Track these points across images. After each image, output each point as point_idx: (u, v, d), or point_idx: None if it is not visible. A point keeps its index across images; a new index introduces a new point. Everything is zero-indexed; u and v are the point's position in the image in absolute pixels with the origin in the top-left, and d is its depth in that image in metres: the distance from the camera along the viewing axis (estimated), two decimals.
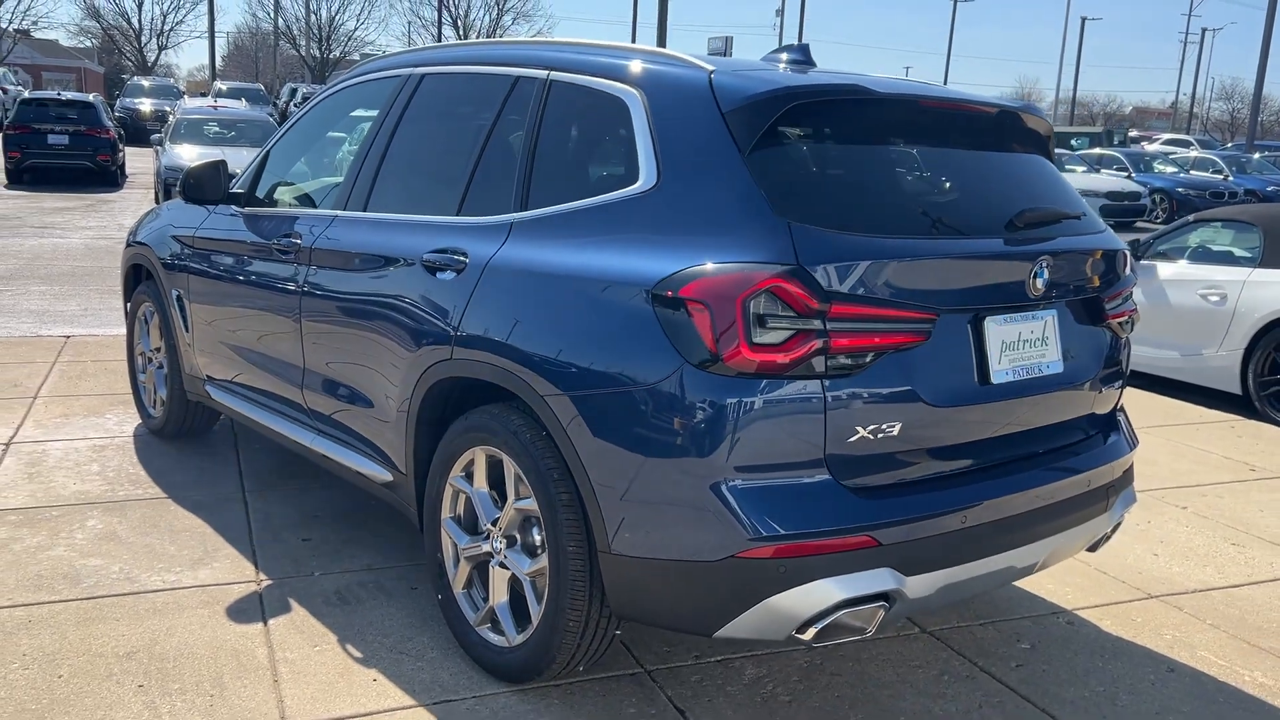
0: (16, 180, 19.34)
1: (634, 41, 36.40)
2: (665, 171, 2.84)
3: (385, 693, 3.14)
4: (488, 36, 56.29)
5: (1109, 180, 24.23)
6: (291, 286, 4.04)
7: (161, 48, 60.12)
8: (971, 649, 3.60)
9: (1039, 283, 2.95)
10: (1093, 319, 3.25)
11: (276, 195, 4.52)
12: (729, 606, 2.67)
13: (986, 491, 2.89)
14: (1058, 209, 3.16)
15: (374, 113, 4.06)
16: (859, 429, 2.65)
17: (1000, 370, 2.91)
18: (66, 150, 19.15)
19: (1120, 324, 3.34)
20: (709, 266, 2.61)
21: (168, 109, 27.26)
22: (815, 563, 2.62)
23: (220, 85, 37.40)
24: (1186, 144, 41.23)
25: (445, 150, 3.73)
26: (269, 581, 3.86)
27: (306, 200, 4.41)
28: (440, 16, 44.33)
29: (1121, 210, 22.80)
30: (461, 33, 55.38)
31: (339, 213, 3.94)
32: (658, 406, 2.66)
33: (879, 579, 2.68)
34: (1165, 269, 8.18)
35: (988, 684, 3.39)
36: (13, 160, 19.13)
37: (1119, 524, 3.49)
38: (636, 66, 3.09)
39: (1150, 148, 36.86)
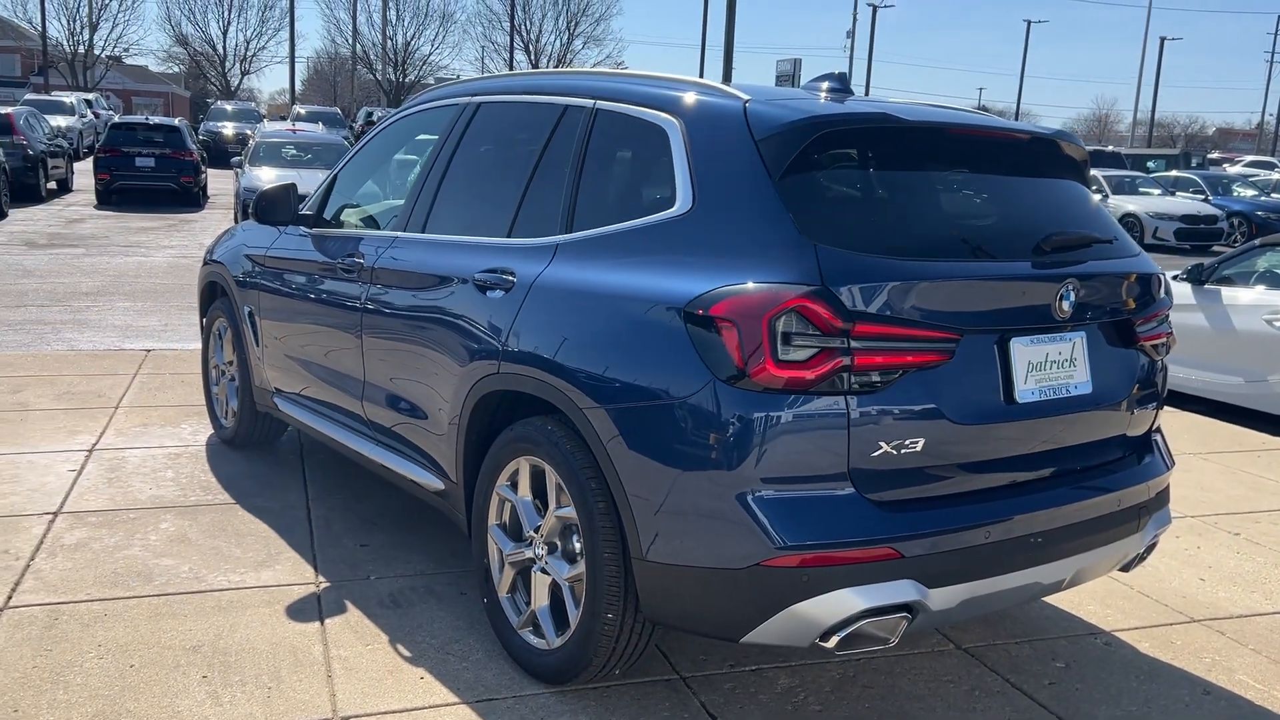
0: (105, 201, 20.14)
1: (702, 63, 36.71)
2: (700, 195, 2.98)
3: (431, 690, 3.30)
4: (559, 60, 57.23)
5: (1184, 204, 23.82)
6: (354, 304, 4.25)
7: (244, 73, 62.02)
8: (1005, 666, 3.65)
9: (1065, 305, 3.02)
10: (1125, 342, 3.30)
11: (343, 217, 4.75)
12: (754, 613, 2.78)
13: (1011, 508, 2.96)
14: (1087, 233, 3.23)
15: (434, 138, 4.26)
16: (882, 444, 2.75)
17: (1026, 390, 2.99)
18: (153, 172, 19.90)
19: (1154, 347, 3.39)
20: (737, 287, 2.74)
21: (248, 132, 28.13)
22: (837, 573, 2.72)
23: (299, 109, 38.44)
24: (1271, 166, 40.22)
25: (498, 175, 3.91)
26: (327, 584, 4.05)
27: (370, 222, 4.63)
28: (512, 41, 45.12)
29: (1198, 234, 22.41)
30: (533, 57, 56.32)
31: (399, 234, 4.15)
32: (688, 420, 2.78)
33: (901, 590, 2.77)
34: (1230, 294, 8.09)
35: (1019, 700, 3.44)
36: (102, 182, 19.93)
37: (1154, 545, 3.52)
38: (676, 96, 3.24)
39: (1231, 170, 36.08)
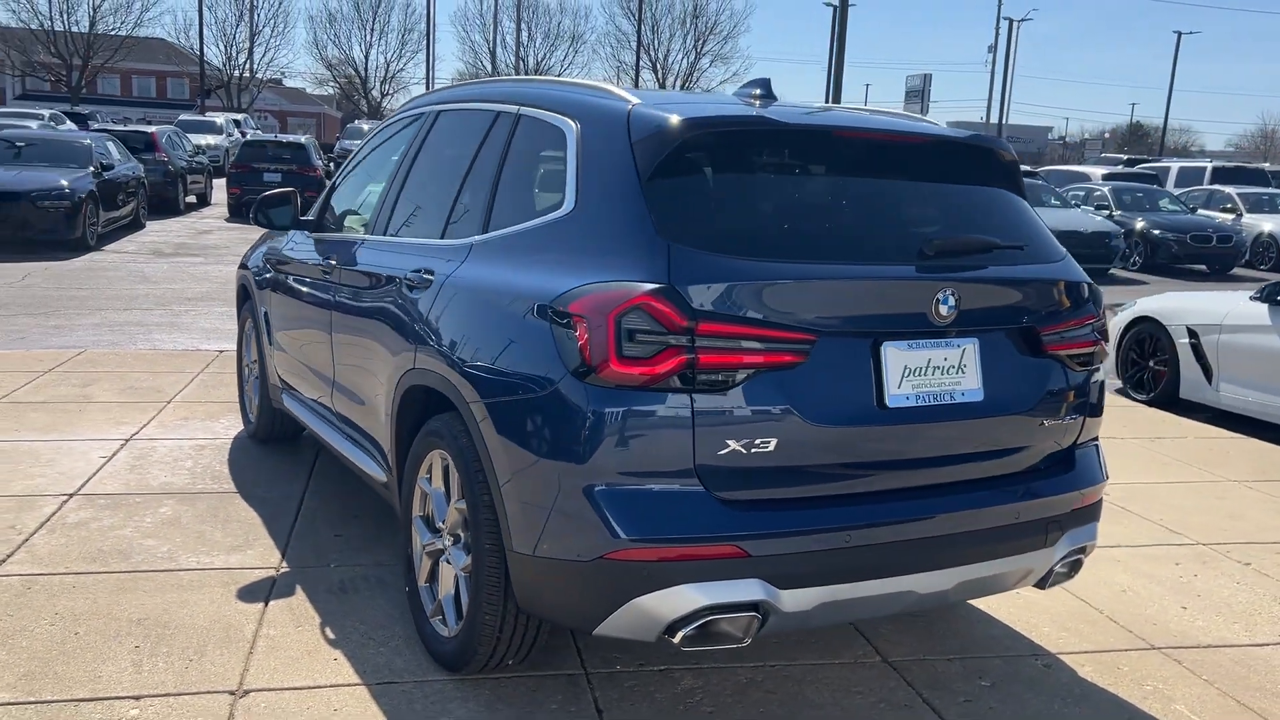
0: (236, 214, 21.28)
1: (831, 79, 36.41)
2: (581, 196, 3.06)
3: (340, 671, 3.45)
4: (685, 78, 57.72)
5: None
6: (327, 303, 4.47)
7: (383, 94, 64.52)
8: (925, 681, 3.57)
9: (944, 309, 2.97)
10: (1032, 350, 3.21)
11: (333, 222, 4.99)
12: (603, 605, 2.82)
13: (878, 513, 2.93)
14: (978, 238, 3.16)
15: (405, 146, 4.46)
16: (730, 443, 2.76)
17: (899, 395, 2.95)
18: (278, 187, 20.92)
19: (1072, 357, 3.29)
20: (591, 285, 2.81)
21: None
22: (679, 568, 2.74)
23: None
24: None
25: (441, 179, 4.06)
26: (287, 569, 4.26)
27: (352, 226, 4.85)
28: (638, 60, 45.72)
29: None
30: (660, 76, 56.95)
31: (365, 237, 4.35)
32: (544, 414, 2.86)
33: (747, 589, 2.78)
34: None
35: (926, 716, 3.36)
36: (233, 196, 21.09)
37: (1076, 562, 3.40)
38: (579, 100, 3.33)
39: None
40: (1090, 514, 3.39)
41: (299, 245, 5.08)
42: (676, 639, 2.80)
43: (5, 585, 3.97)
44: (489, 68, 59.18)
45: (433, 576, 3.60)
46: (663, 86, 57.43)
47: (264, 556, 4.38)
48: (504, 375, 3.02)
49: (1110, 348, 9.25)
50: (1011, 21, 53.89)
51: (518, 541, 2.97)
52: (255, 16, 56.07)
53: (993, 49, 66.07)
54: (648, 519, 2.75)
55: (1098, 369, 3.42)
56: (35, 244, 14.61)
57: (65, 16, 48.06)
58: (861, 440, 2.93)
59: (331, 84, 65.42)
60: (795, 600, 2.84)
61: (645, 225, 2.84)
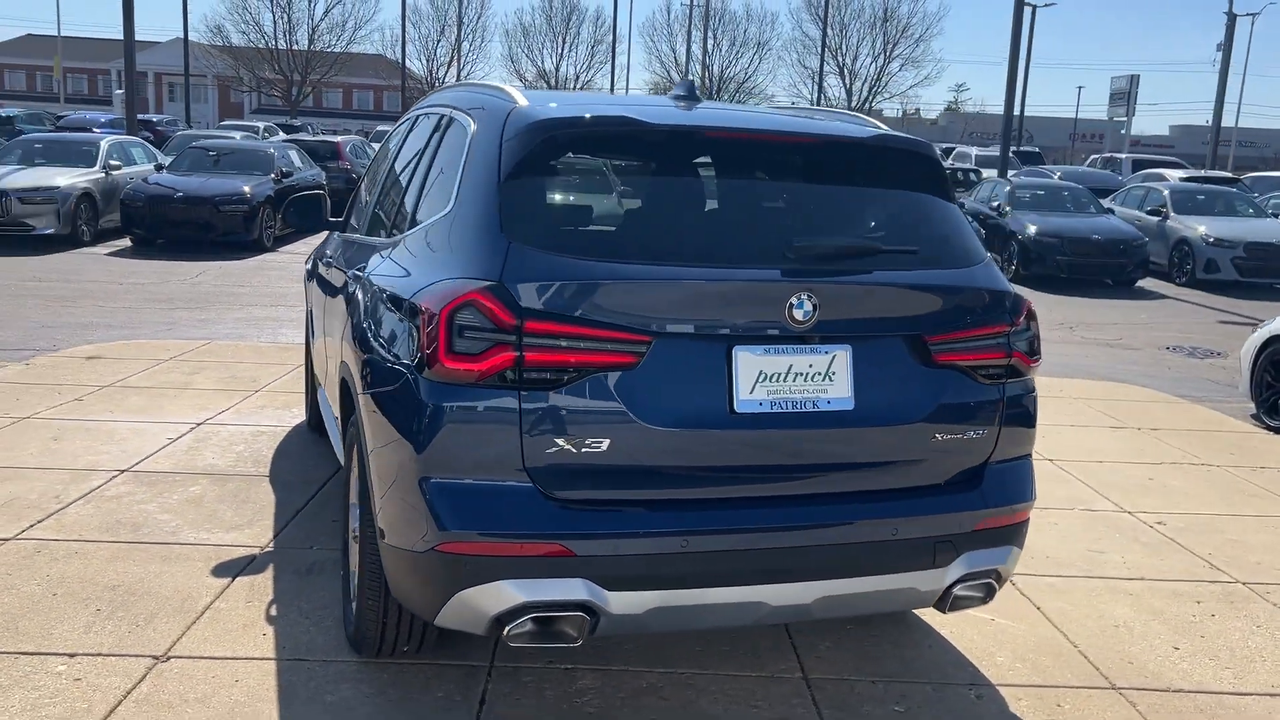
0: None
1: (1018, 81, 34.89)
2: (459, 195, 3.13)
3: (261, 645, 3.64)
4: (873, 84, 56.56)
5: None
6: (325, 299, 4.72)
7: None
8: (833, 701, 3.45)
9: (798, 314, 2.87)
10: (921, 360, 3.06)
11: (351, 221, 5.24)
12: (437, 596, 2.88)
13: (722, 520, 2.86)
14: (847, 241, 3.04)
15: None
16: (559, 442, 2.77)
17: (750, 400, 2.87)
18: None
19: (974, 368, 3.11)
20: (439, 281, 2.88)
21: None
22: (500, 563, 2.77)
23: None
24: None
25: (400, 180, 4.22)
26: (271, 549, 4.51)
27: (354, 226, 5.08)
28: (821, 66, 45.09)
29: None
30: (847, 82, 56.00)
31: (354, 237, 4.57)
32: (395, 407, 2.95)
33: (569, 589, 2.78)
34: None
35: None
36: None
37: (988, 586, 3.21)
38: (484, 100, 3.40)
39: None
40: (1000, 537, 3.19)
41: (327, 244, 5.37)
42: (504, 634, 2.83)
43: (19, 547, 4.39)
44: (675, 77, 59.90)
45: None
46: (849, 92, 56.43)
47: (257, 536, 4.65)
48: (377, 369, 3.14)
49: (1244, 369, 8.53)
50: (1232, 17, 49.89)
51: (380, 530, 3.07)
52: (457, 31, 58.80)
53: (1222, 45, 61.46)
54: (473, 513, 2.79)
55: (1016, 382, 3.21)
56: (218, 245, 15.83)
57: (287, 36, 51.95)
58: (706, 445, 2.87)
59: None
60: (624, 603, 2.82)
61: (492, 224, 2.89)
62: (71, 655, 3.52)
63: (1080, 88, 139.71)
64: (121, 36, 24.06)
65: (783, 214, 3.17)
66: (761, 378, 2.89)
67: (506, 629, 2.82)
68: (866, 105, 57.11)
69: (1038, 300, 15.05)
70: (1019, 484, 3.26)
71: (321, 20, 53.94)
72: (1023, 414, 3.25)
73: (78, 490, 5.10)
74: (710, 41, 58.50)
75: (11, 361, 8.13)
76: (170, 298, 11.67)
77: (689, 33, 56.10)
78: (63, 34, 56.99)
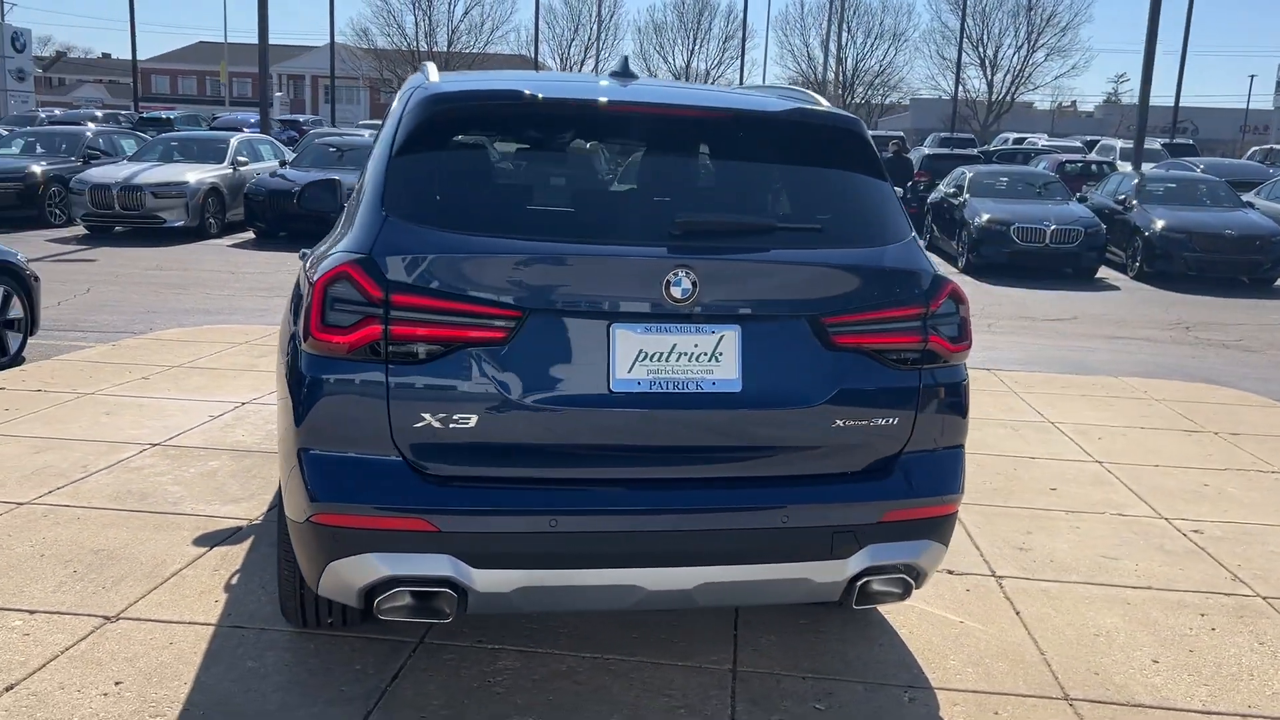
0: None
1: (1181, 68, 33.09)
2: (366, 173, 3.17)
3: (209, 611, 3.76)
4: (1016, 75, 54.31)
5: None
6: None
7: None
8: (752, 694, 3.34)
9: (676, 292, 2.78)
10: (822, 342, 2.92)
11: None
12: (315, 566, 2.92)
13: (594, 500, 2.81)
14: (734, 218, 2.92)
15: None
16: (426, 417, 2.76)
17: (628, 380, 2.80)
18: None
19: (883, 352, 2.96)
20: (329, 257, 2.91)
21: None
22: (368, 536, 2.79)
23: None
24: None
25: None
26: (257, 522, 4.65)
27: None
28: (960, 56, 43.45)
29: None
30: (988, 74, 53.99)
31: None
32: (286, 379, 3.00)
33: (435, 564, 2.77)
34: None
35: None
36: None
37: (900, 580, 3.05)
38: (408, 81, 3.42)
39: None
40: (913, 530, 3.03)
41: None
42: (374, 607, 2.84)
43: (30, 511, 4.65)
44: (809, 72, 59.06)
45: None
46: (990, 85, 54.42)
47: (251, 510, 4.80)
48: (283, 344, 3.20)
49: None
50: None
51: (282, 501, 3.13)
52: (590, 30, 59.44)
53: None
54: (342, 486, 2.81)
55: (936, 368, 3.04)
56: None
57: (428, 38, 53.51)
58: (580, 424, 2.81)
59: None
60: (490, 581, 2.79)
61: (377, 199, 2.91)
62: (31, 612, 3.70)
63: (1252, 76, 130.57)
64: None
65: (676, 190, 3.08)
66: (642, 356, 2.81)
67: (376, 601, 2.83)
68: (1009, 97, 54.98)
69: (1157, 298, 14.29)
70: (939, 476, 3.08)
71: (460, 21, 55.42)
72: (946, 402, 3.08)
73: (105, 461, 5.37)
74: (844, 34, 57.57)
75: (102, 343, 8.63)
76: (272, 287, 12.17)
77: (830, 23, 55.28)
78: (229, 40, 60.22)
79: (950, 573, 4.40)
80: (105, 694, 3.20)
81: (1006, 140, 36.63)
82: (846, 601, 3.06)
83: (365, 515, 2.78)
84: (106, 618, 3.69)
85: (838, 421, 2.94)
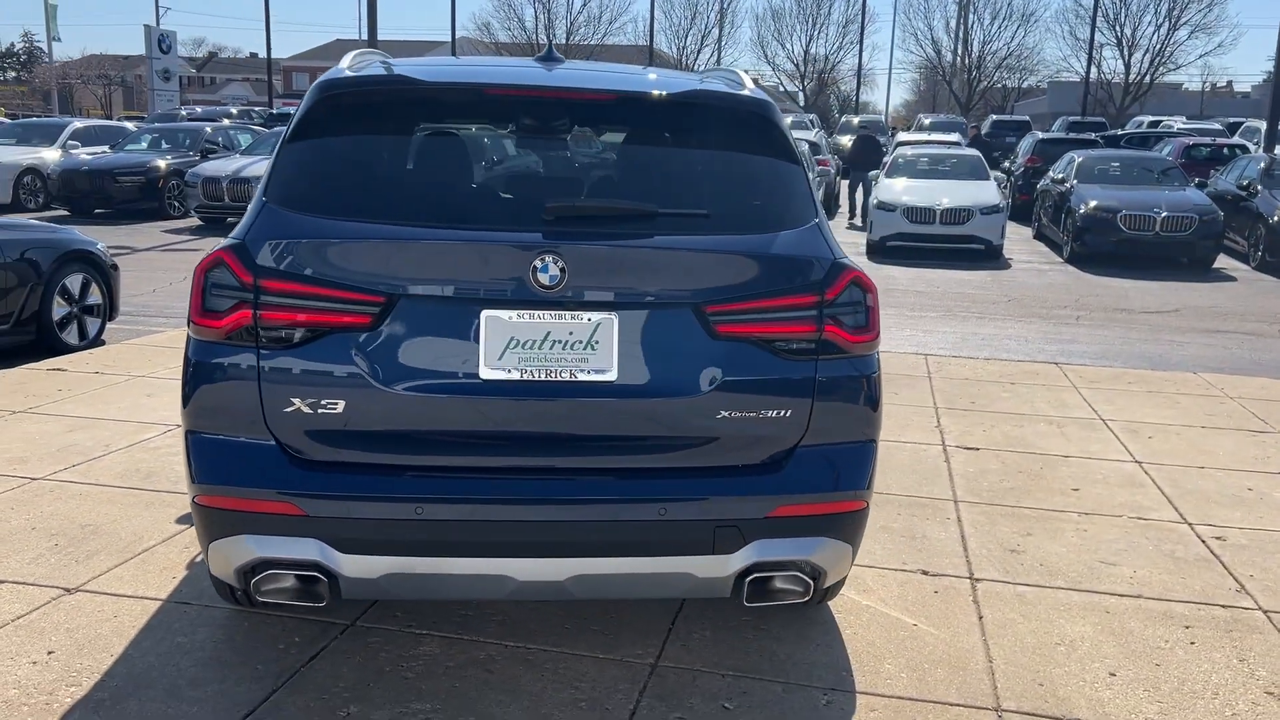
0: None
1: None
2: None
3: (163, 587, 3.89)
4: (1155, 55, 51.35)
5: None
6: None
7: (822, 85, 64.75)
8: (662, 689, 3.27)
9: (543, 278, 2.73)
10: (706, 330, 2.83)
11: None
12: (202, 546, 2.98)
13: (461, 489, 2.79)
14: (607, 203, 2.85)
15: None
16: (296, 401, 2.79)
17: (498, 367, 2.77)
18: None
19: (771, 341, 2.84)
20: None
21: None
22: (242, 518, 2.83)
23: (924, 119, 39.12)
24: None
25: None
26: None
27: None
28: (1092, 36, 41.31)
29: None
30: (1124, 53, 51.27)
31: None
32: (182, 365, 3.06)
33: (303, 548, 2.80)
34: None
35: None
36: None
37: (797, 578, 2.95)
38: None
39: None
40: (807, 526, 2.91)
41: None
42: (251, 590, 2.89)
43: (39, 486, 4.90)
44: (933, 55, 57.44)
45: None
46: (1128, 65, 51.63)
47: None
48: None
49: None
50: None
51: None
52: (707, 19, 59.09)
53: None
54: (218, 468, 2.86)
55: (835, 359, 2.90)
56: None
57: (547, 30, 54.03)
58: (448, 411, 2.79)
59: (803, 80, 66.75)
60: (357, 567, 2.80)
61: (262, 187, 2.94)
62: (1, 582, 3.89)
63: None
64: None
65: (557, 176, 3.03)
66: (513, 344, 2.77)
67: (251, 584, 2.87)
68: (1149, 78, 52.14)
69: (1276, 290, 13.38)
70: (839, 471, 2.95)
71: (579, 13, 55.86)
72: (849, 395, 2.94)
73: (126, 441, 5.61)
74: (971, 15, 55.70)
75: (176, 328, 9.02)
76: None
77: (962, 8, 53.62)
78: (365, 37, 62.11)
79: (925, 573, 4.23)
80: (35, 662, 3.34)
81: (1141, 124, 34.81)
82: (737, 598, 2.96)
83: (239, 497, 2.83)
84: (66, 589, 3.85)
85: (722, 413, 2.84)
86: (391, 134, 3.07)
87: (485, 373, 2.77)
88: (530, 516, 2.79)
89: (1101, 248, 14.92)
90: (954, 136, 25.08)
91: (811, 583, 2.97)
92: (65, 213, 18.26)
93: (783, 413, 2.87)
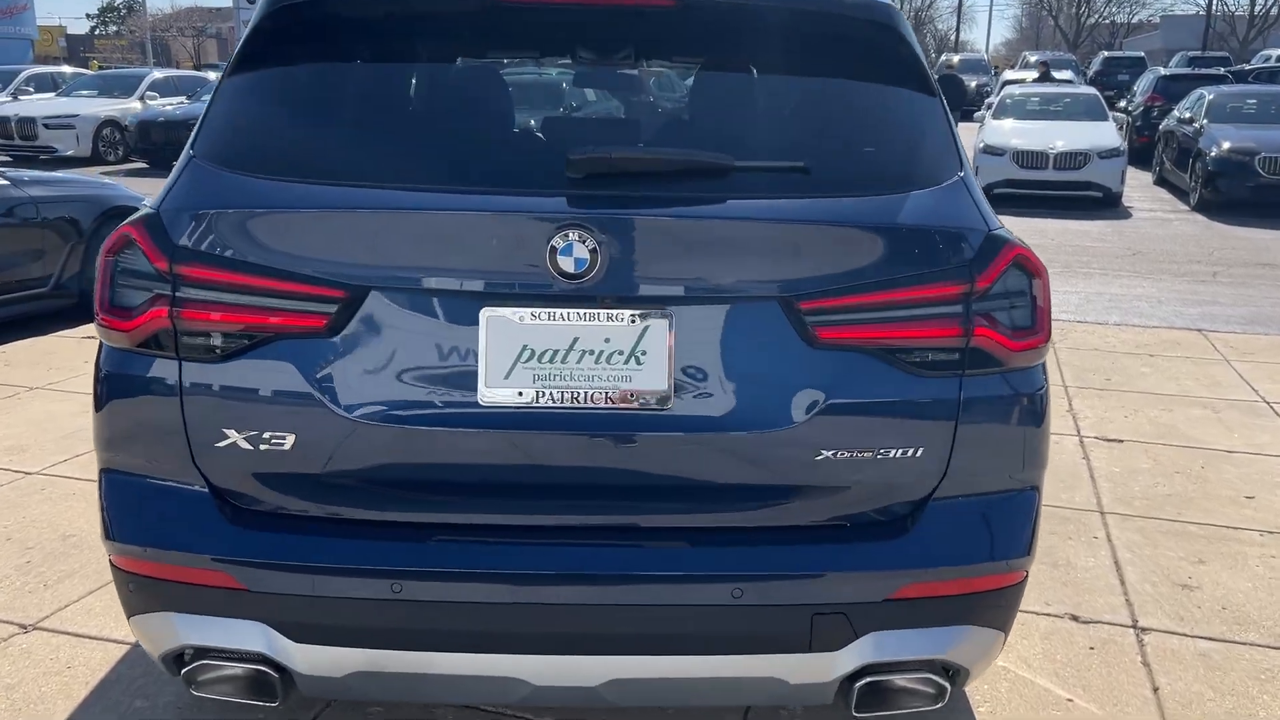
0: None
1: None
2: None
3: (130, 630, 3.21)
4: None
5: None
6: None
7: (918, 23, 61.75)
8: None
9: (565, 263, 1.90)
10: (798, 336, 1.98)
11: None
12: (128, 615, 2.25)
13: (457, 558, 2.00)
14: (668, 154, 1.99)
15: None
16: (231, 434, 2.02)
17: (505, 389, 1.96)
18: None
19: (890, 351, 1.99)
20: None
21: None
22: (163, 591, 2.10)
23: (1029, 55, 37.03)
24: None
25: None
26: None
27: None
28: None
29: None
30: None
31: None
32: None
33: (244, 635, 2.05)
34: None
35: None
36: None
37: (929, 680, 2.11)
38: None
39: None
40: (945, 611, 2.06)
41: None
42: (181, 677, 2.16)
43: (31, 482, 4.29)
44: None
45: None
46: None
47: None
48: None
49: None
50: None
51: None
52: None
53: None
54: (138, 520, 2.12)
55: (988, 374, 2.03)
56: None
57: None
58: (434, 449, 2.00)
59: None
60: (316, 661, 2.05)
61: (193, 138, 2.17)
62: None
63: None
64: None
65: (590, 116, 2.20)
66: (527, 356, 1.96)
67: (182, 671, 2.14)
68: (1275, 8, 48.15)
69: None
70: (990, 531, 2.09)
71: None
72: (1005, 423, 2.07)
73: None
74: None
75: None
76: None
77: None
78: None
79: (1075, 619, 3.35)
80: None
81: (1269, 58, 32.21)
82: (843, 709, 2.13)
83: (161, 562, 2.09)
84: (23, 626, 3.20)
85: (824, 452, 1.99)
86: (367, 61, 2.25)
87: (487, 395, 1.96)
88: (551, 598, 1.99)
89: (1236, 194, 13.50)
90: (1066, 75, 23.37)
91: (947, 686, 2.13)
92: (144, 165, 17.92)
93: (911, 451, 2.02)
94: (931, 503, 2.07)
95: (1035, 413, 2.12)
